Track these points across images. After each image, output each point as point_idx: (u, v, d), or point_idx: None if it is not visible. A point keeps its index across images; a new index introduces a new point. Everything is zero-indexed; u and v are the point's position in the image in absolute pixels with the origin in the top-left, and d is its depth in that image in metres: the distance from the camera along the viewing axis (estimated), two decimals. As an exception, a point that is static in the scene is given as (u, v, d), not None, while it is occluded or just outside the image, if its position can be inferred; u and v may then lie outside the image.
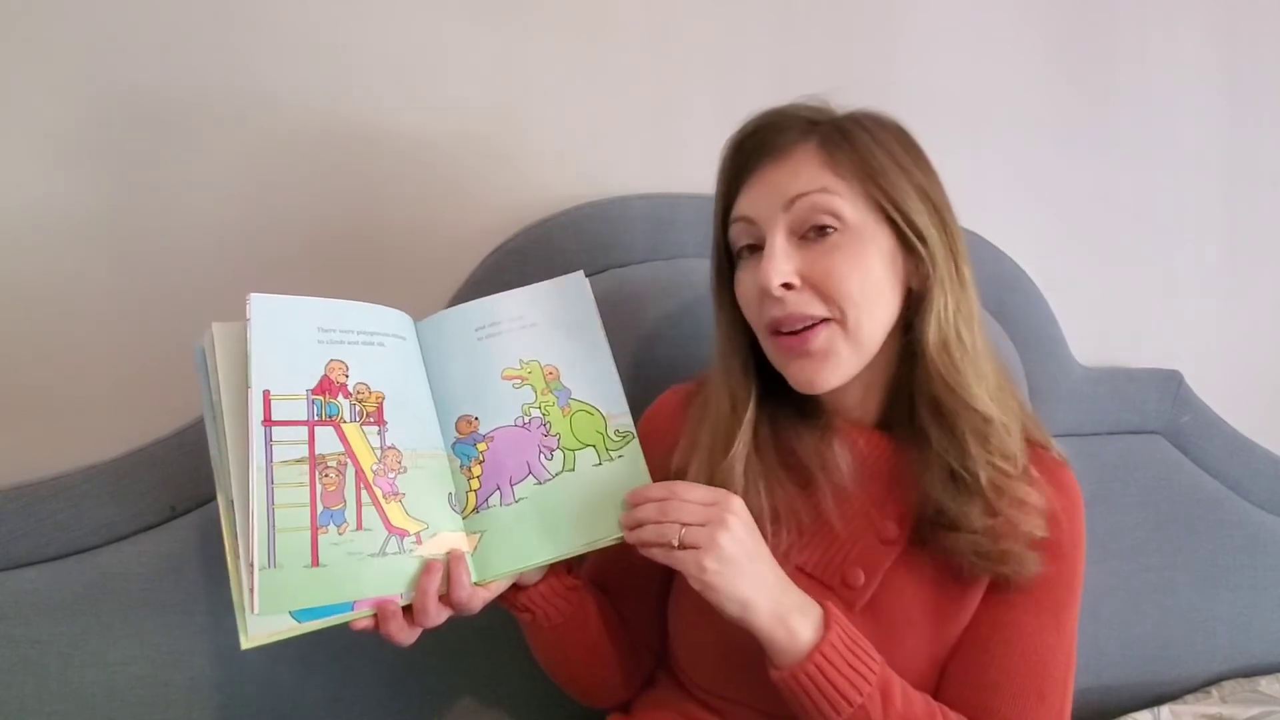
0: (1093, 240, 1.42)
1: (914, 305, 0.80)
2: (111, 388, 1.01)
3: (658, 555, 0.73)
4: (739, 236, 0.81)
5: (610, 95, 1.17)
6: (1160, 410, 1.35)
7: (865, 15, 1.28)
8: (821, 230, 0.76)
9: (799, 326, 0.77)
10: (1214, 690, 1.30)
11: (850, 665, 0.72)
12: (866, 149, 0.77)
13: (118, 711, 0.94)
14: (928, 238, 0.78)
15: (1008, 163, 1.33)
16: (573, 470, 0.80)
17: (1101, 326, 1.42)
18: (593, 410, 0.82)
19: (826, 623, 0.73)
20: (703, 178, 1.11)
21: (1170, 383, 1.36)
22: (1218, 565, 1.33)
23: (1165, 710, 1.24)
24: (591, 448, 0.81)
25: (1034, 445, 0.84)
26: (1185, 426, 1.36)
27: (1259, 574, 1.35)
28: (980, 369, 0.80)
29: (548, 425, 0.81)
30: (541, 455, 0.80)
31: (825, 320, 0.77)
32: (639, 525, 0.75)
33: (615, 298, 0.88)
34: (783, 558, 0.77)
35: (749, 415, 0.83)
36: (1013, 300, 1.26)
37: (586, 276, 0.85)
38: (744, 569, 0.71)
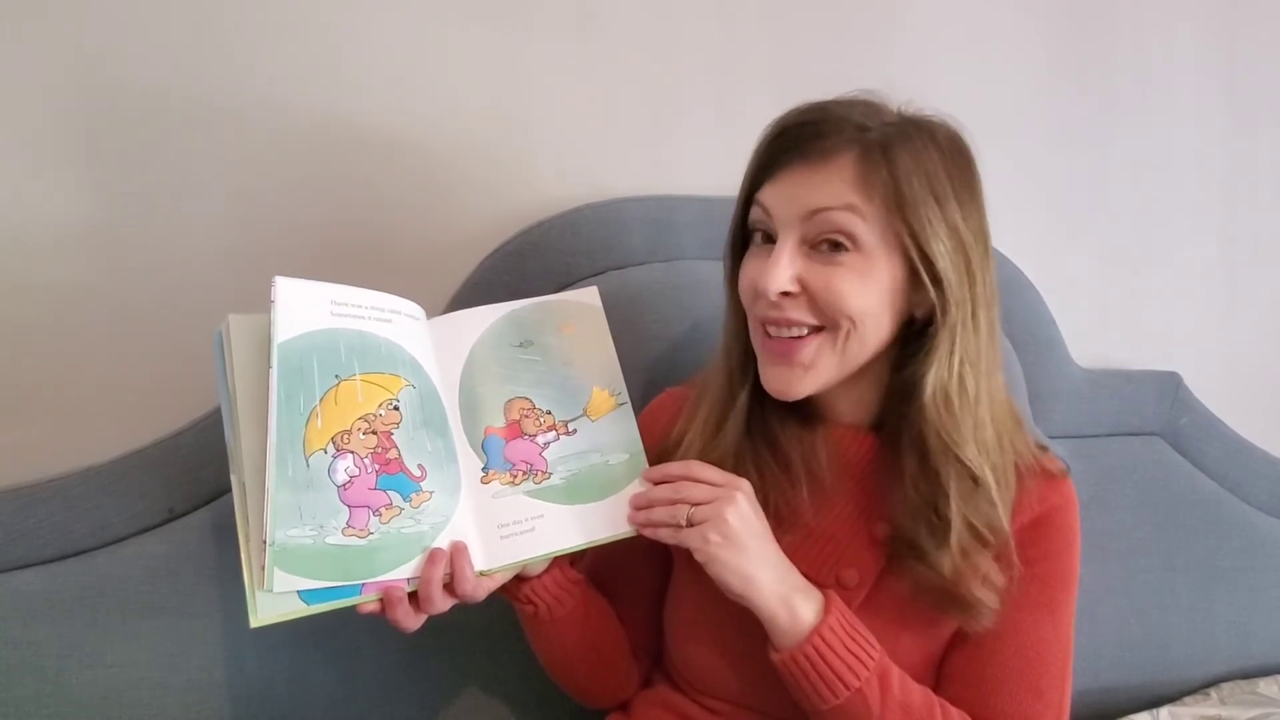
0: (1092, 241, 1.42)
1: (915, 332, 0.78)
2: (109, 390, 1.01)
3: (664, 536, 0.76)
4: (757, 220, 0.79)
5: (609, 97, 1.17)
6: (1159, 412, 1.35)
7: (864, 16, 1.28)
8: (834, 246, 0.75)
9: (789, 334, 0.77)
10: (1213, 692, 1.29)
11: (849, 650, 0.73)
12: (905, 173, 0.73)
13: (115, 713, 0.94)
14: (945, 281, 0.74)
15: (1007, 163, 1.33)
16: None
17: (1101, 328, 1.41)
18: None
19: (827, 607, 0.74)
20: (701, 180, 1.11)
21: (1169, 384, 1.36)
22: (1216, 567, 1.33)
23: (1164, 712, 1.24)
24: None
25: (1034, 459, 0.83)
26: (1184, 428, 1.36)
27: (1258, 576, 1.35)
28: (980, 418, 0.77)
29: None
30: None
31: (817, 330, 0.76)
32: (649, 505, 0.77)
33: (613, 300, 0.88)
34: None
35: (744, 398, 0.83)
36: (1012, 301, 1.25)
37: (586, 279, 0.85)
38: (748, 545, 0.73)
